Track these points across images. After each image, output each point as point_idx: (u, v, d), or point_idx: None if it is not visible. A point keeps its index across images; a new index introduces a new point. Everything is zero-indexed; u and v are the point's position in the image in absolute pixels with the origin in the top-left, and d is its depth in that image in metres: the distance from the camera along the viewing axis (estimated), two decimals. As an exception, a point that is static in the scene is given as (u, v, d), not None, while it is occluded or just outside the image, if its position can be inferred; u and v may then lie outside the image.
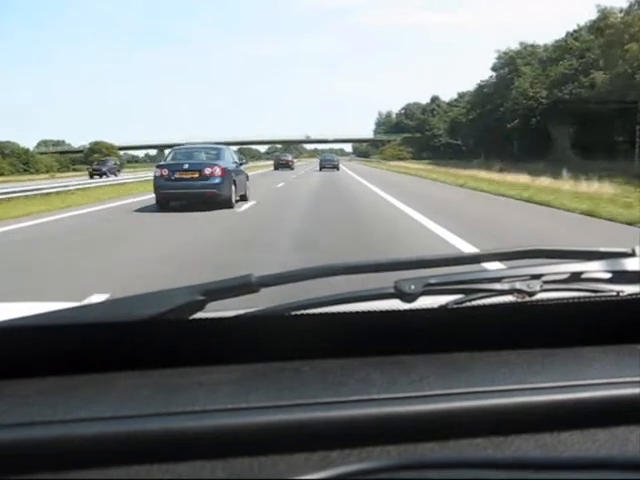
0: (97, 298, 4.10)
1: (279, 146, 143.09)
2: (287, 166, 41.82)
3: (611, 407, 0.57)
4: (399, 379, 0.60)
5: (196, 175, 11.32)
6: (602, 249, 0.78)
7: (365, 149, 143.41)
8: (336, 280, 0.73)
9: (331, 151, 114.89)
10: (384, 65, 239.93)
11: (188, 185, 11.22)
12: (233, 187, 11.74)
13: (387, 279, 0.70)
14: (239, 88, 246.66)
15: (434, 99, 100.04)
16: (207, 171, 11.30)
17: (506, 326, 0.69)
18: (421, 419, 0.54)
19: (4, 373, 0.60)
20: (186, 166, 11.54)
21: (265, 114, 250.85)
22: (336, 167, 39.00)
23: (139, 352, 0.63)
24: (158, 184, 11.53)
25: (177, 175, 11.34)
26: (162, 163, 12.38)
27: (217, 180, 11.27)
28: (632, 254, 0.76)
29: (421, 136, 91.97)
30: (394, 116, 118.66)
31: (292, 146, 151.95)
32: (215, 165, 11.52)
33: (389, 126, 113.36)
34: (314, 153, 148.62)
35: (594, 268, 0.74)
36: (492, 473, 0.48)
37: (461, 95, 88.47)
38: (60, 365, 0.62)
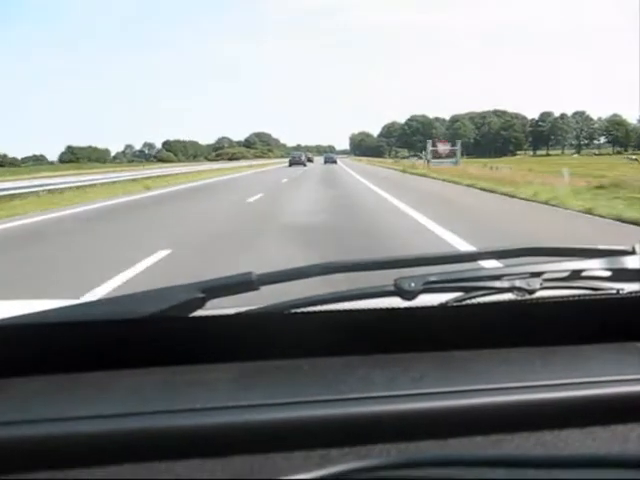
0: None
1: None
2: (309, 160, 79.89)
3: (611, 405, 0.57)
4: (399, 377, 0.60)
5: (298, 158, 63.64)
6: (602, 247, 0.78)
7: (357, 144, 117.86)
8: (336, 278, 0.73)
9: (318, 149, 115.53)
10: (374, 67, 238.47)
11: (297, 160, 61.86)
12: (306, 162, 65.25)
13: (387, 277, 0.69)
14: (221, 89, 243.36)
15: None
16: (300, 157, 64.10)
17: (506, 324, 0.68)
18: (421, 417, 0.54)
19: (6, 371, 0.60)
20: (296, 156, 65.67)
21: (245, 116, 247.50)
22: (335, 162, 69.64)
23: (139, 350, 0.63)
24: (290, 160, 63.19)
25: (294, 159, 63.58)
26: (290, 155, 69.08)
27: (303, 160, 63.35)
28: (632, 252, 0.76)
29: None
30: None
31: (261, 141, 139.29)
32: (302, 155, 66.88)
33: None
34: (289, 150, 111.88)
35: (594, 266, 0.74)
36: (492, 471, 0.48)
37: None
38: (61, 363, 0.62)
